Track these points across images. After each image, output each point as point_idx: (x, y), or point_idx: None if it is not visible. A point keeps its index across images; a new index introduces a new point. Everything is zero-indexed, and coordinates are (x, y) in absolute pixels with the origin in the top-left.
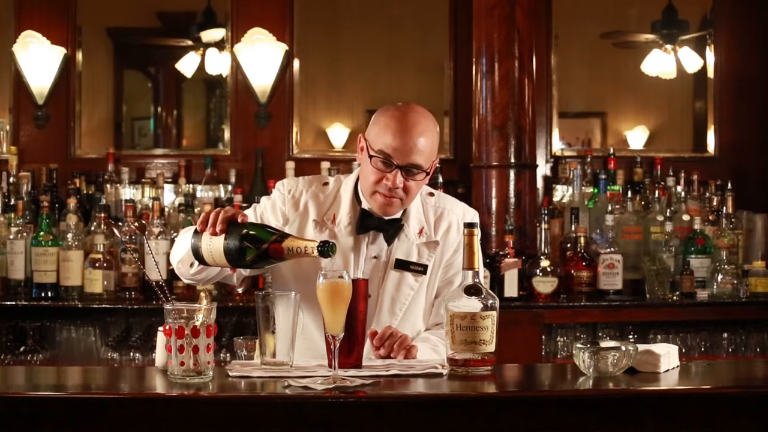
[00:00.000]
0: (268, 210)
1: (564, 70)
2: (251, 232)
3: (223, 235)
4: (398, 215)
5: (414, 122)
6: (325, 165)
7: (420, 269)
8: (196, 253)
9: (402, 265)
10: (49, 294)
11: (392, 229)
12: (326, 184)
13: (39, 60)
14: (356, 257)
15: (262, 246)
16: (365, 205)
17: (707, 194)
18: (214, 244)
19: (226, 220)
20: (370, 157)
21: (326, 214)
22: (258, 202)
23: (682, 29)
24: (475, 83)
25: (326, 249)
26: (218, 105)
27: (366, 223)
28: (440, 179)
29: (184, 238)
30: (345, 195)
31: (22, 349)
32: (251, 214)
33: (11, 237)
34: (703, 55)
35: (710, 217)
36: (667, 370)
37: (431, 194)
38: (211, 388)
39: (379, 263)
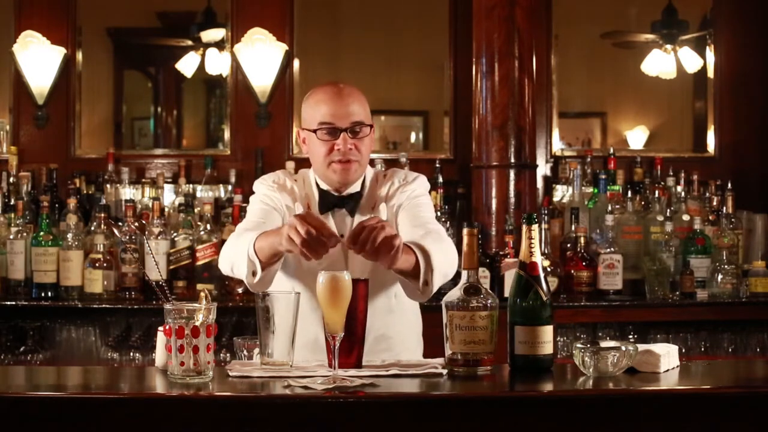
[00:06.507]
0: (268, 201)
1: (564, 70)
2: None
3: None
4: (357, 188)
5: (340, 89)
6: None
7: None
8: None
9: None
10: (49, 294)
11: (352, 201)
12: (293, 173)
13: (39, 60)
14: None
15: None
16: (324, 186)
17: (707, 194)
18: None
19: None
20: (314, 132)
21: (304, 199)
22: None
23: (682, 29)
24: (475, 83)
25: None
26: (218, 105)
27: (326, 202)
28: (440, 179)
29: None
30: (310, 182)
31: (22, 349)
32: (257, 211)
33: (11, 237)
34: (703, 55)
35: (710, 217)
36: (667, 370)
37: (385, 175)
38: (211, 388)
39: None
